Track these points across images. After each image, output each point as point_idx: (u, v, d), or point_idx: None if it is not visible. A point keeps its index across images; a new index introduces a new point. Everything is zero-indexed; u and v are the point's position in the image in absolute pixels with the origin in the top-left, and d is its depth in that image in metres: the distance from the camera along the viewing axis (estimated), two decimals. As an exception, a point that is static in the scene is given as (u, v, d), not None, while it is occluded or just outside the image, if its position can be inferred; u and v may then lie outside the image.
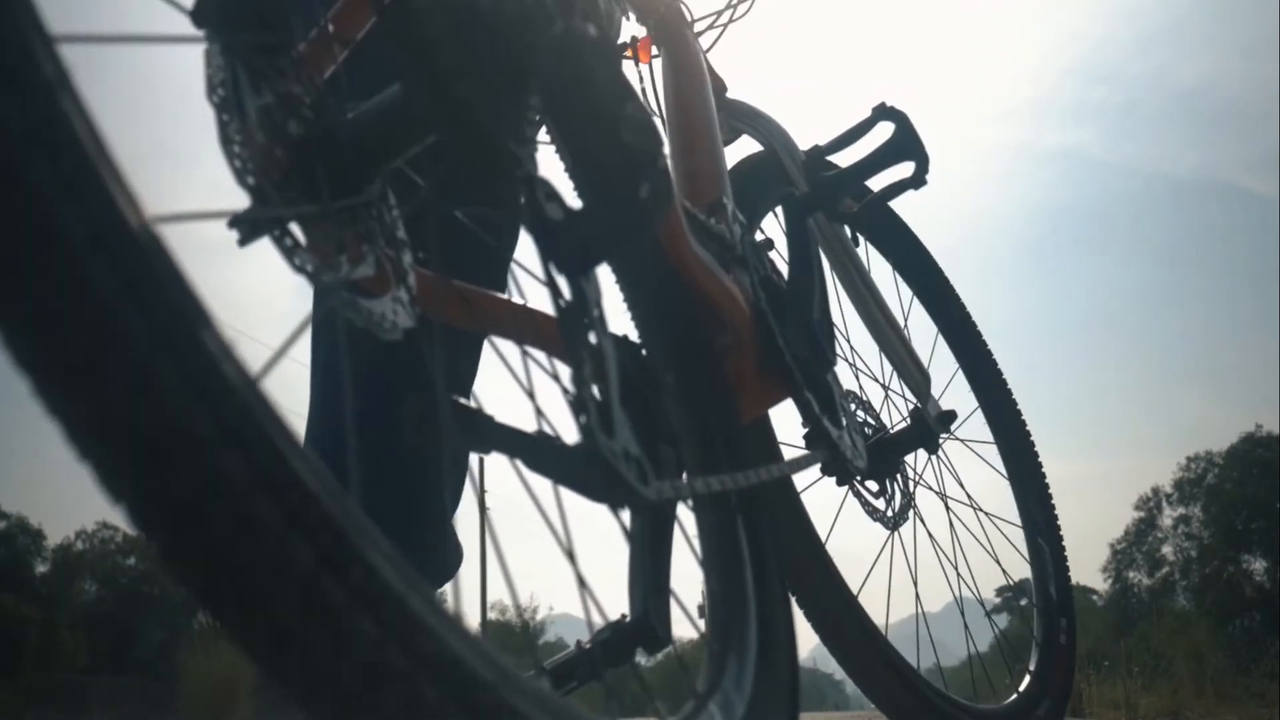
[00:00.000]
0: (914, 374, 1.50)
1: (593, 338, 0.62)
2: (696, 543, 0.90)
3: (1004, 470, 1.75)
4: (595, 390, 0.61)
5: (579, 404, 0.59)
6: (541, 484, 0.62)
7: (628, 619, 0.79)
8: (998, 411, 1.75)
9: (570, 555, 0.61)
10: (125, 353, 0.34)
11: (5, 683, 14.46)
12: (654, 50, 1.32)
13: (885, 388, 1.52)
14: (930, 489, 1.57)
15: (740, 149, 1.47)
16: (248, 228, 0.53)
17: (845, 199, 1.12)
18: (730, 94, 1.46)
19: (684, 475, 0.90)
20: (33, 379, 0.34)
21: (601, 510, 0.65)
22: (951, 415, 1.52)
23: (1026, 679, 1.61)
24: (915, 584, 1.63)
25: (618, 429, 0.61)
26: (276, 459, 0.37)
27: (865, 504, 1.43)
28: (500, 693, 0.42)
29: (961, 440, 1.66)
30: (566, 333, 0.61)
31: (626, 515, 0.82)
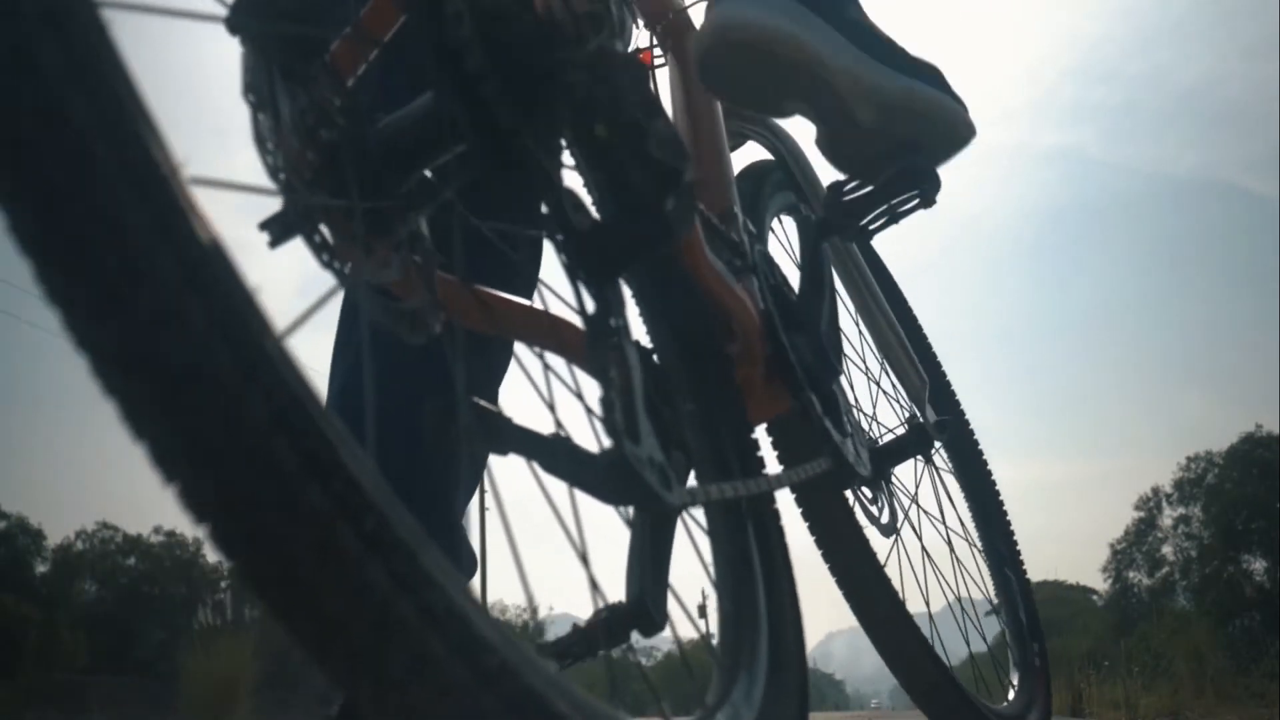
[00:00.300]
0: (914, 381, 1.54)
1: (617, 345, 0.63)
2: (706, 559, 0.91)
3: (968, 505, 1.82)
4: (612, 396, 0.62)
5: (606, 410, 0.61)
6: (551, 485, 0.62)
7: (623, 603, 0.79)
8: (960, 450, 1.83)
9: (584, 558, 0.62)
10: (155, 289, 0.34)
11: (5, 683, 14.46)
12: (657, 57, 1.33)
13: (876, 383, 1.56)
14: (916, 502, 1.63)
15: (739, 156, 1.48)
16: (279, 228, 0.54)
17: (861, 223, 1.13)
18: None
19: (692, 477, 0.91)
20: (63, 313, 0.35)
21: (603, 508, 0.65)
22: (947, 423, 1.56)
23: (1013, 692, 1.72)
24: (925, 591, 1.69)
25: (643, 436, 0.63)
26: (295, 405, 0.37)
27: (865, 510, 1.45)
28: (505, 656, 0.42)
29: (938, 468, 1.72)
30: (592, 340, 0.63)
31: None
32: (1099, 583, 25.84)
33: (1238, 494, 20.18)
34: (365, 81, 0.62)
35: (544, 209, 0.61)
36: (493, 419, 0.61)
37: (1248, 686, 9.10)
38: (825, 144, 1.12)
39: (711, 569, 0.93)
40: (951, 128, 1.07)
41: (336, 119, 0.55)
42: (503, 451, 0.61)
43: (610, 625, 0.71)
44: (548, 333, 0.74)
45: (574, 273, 0.63)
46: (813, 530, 1.40)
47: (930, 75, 1.07)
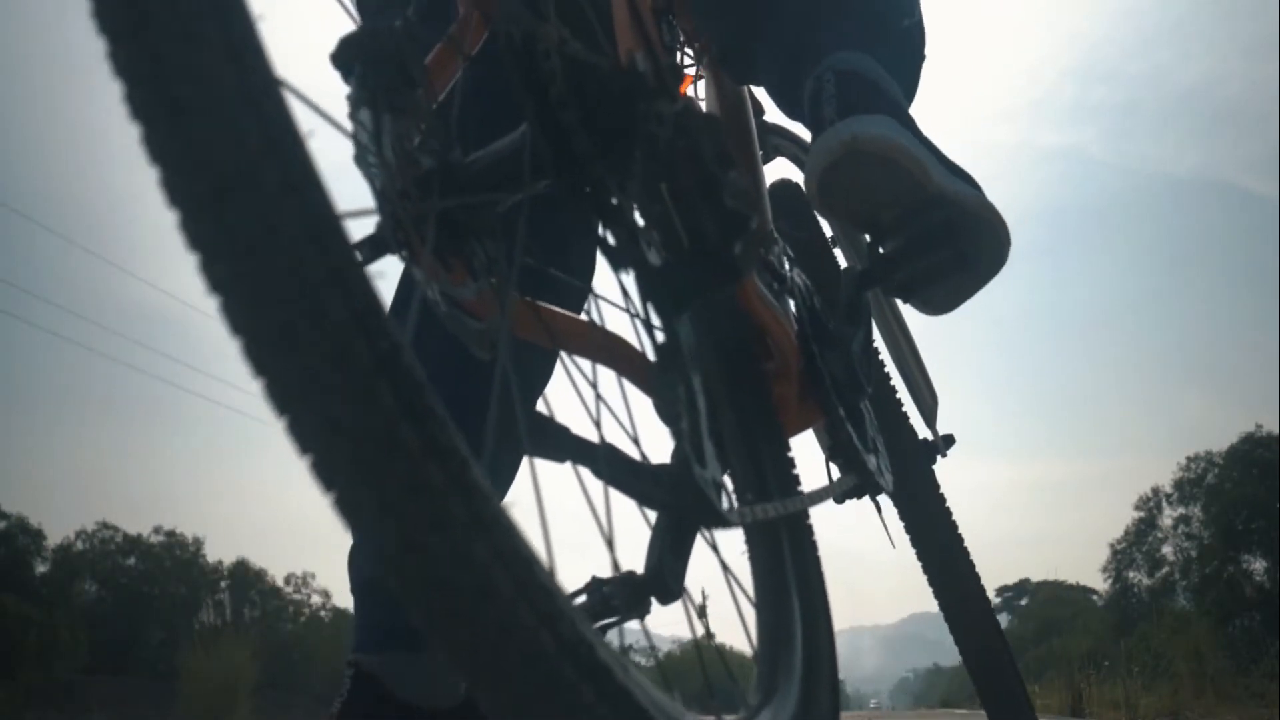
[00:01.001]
0: (926, 401, 1.68)
1: (685, 374, 0.68)
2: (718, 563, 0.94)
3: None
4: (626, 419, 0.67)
5: (675, 433, 0.66)
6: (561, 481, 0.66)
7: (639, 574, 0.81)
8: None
9: (609, 542, 0.65)
10: (280, 239, 0.37)
11: (5, 683, 14.44)
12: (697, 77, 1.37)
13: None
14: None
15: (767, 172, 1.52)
16: (369, 249, 0.58)
17: (901, 278, 1.19)
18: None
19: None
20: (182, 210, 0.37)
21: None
22: (951, 439, 1.70)
23: None
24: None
25: (708, 459, 0.67)
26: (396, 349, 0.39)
27: (883, 520, 1.63)
28: (602, 656, 0.45)
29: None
30: (661, 367, 0.68)
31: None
32: (1099, 583, 25.86)
33: (1238, 494, 20.15)
34: (455, 100, 0.67)
35: (614, 242, 0.66)
36: (552, 428, 0.65)
37: (1248, 686, 9.10)
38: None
39: (750, 584, 0.98)
40: (1000, 239, 1.16)
41: (431, 151, 0.60)
42: (560, 459, 0.65)
43: (626, 591, 0.73)
44: (602, 349, 0.77)
45: (645, 305, 0.69)
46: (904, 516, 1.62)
47: (975, 182, 1.17)
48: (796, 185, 1.45)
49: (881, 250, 1.16)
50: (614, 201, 0.63)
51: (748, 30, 1.25)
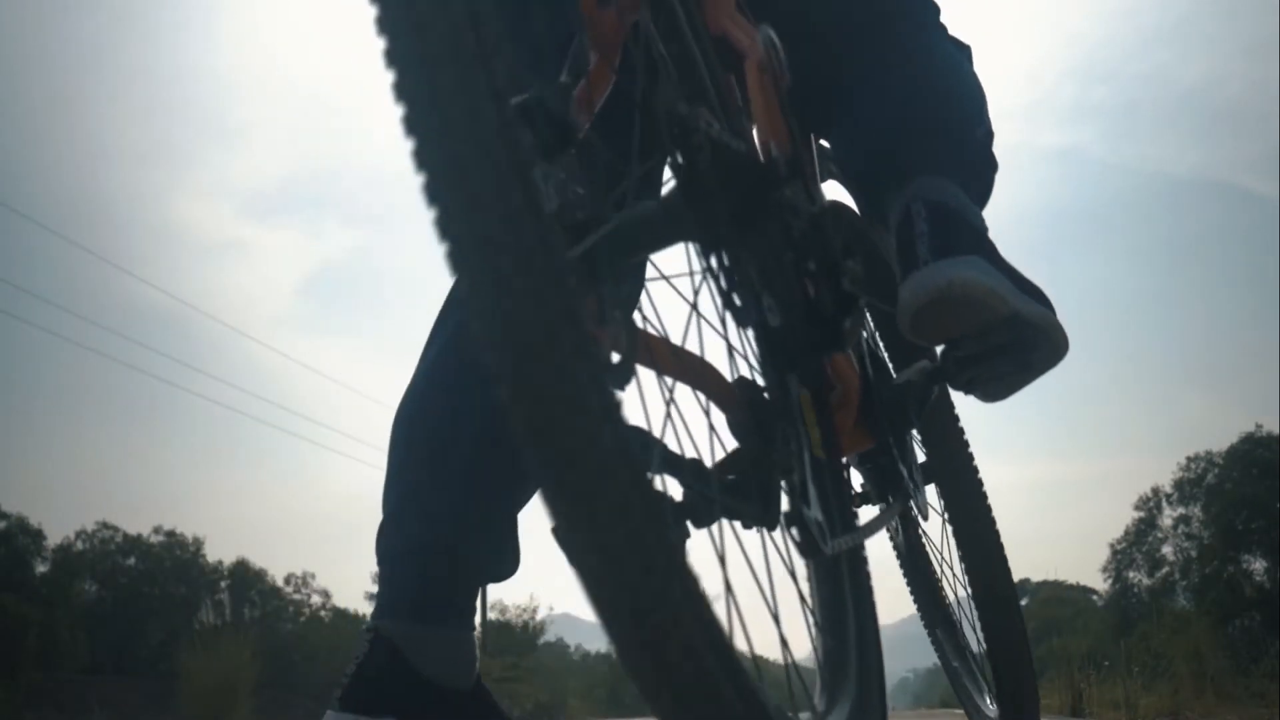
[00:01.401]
0: None
1: (794, 424, 0.76)
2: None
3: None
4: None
5: (787, 480, 0.73)
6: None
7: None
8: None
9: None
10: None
11: (5, 683, 14.44)
12: None
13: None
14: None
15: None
16: None
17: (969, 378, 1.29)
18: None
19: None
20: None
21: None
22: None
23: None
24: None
25: (812, 501, 0.75)
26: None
27: (894, 527, 1.76)
28: (748, 675, 0.52)
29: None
30: (770, 417, 0.75)
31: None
32: (1099, 583, 25.85)
33: (1238, 494, 20.15)
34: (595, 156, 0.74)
35: (738, 301, 0.73)
36: (651, 442, 0.70)
37: (1248, 686, 9.08)
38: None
39: (814, 607, 1.07)
40: (1059, 349, 1.27)
41: (585, 204, 0.70)
42: (655, 471, 0.71)
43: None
44: (697, 374, 0.84)
45: (764, 359, 0.77)
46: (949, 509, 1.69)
47: (1046, 299, 1.27)
48: (850, 210, 1.50)
49: (952, 354, 1.25)
50: (743, 268, 0.71)
51: (826, 121, 1.35)
